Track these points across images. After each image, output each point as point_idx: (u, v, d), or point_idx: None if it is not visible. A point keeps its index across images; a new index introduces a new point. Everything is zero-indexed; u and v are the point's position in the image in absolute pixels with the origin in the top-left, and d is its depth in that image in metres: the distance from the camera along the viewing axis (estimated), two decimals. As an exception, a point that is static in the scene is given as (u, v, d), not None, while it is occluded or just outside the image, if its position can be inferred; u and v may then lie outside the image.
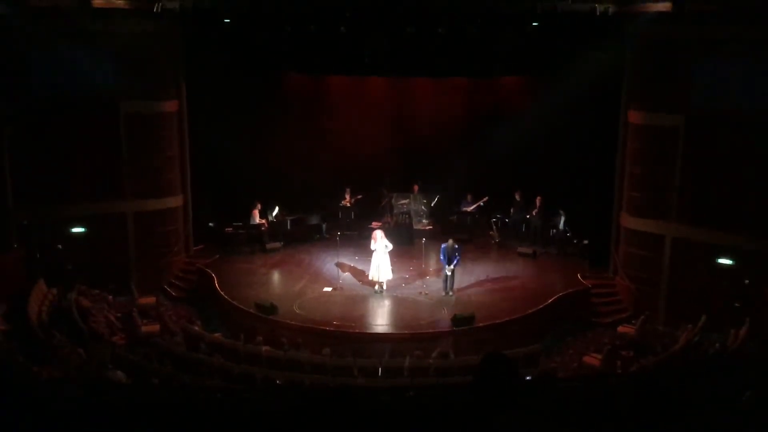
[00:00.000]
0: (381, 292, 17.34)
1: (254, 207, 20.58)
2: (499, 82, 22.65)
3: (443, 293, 17.29)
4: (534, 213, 20.93)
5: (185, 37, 18.68)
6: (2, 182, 17.32)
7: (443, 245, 17.25)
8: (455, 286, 17.38)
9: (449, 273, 17.18)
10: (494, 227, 21.46)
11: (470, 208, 21.62)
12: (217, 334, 15.62)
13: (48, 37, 16.92)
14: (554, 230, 20.54)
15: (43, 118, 17.49)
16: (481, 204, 21.55)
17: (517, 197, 21.41)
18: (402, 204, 22.17)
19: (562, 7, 15.70)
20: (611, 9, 15.73)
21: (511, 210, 21.67)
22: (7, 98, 17.13)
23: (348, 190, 22.06)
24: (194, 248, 20.65)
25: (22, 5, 15.98)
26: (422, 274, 18.36)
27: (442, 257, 17.22)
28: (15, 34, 16.70)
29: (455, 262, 17.12)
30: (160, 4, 16.01)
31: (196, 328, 15.87)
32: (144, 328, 15.69)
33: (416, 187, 22.31)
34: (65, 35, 16.98)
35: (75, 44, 17.06)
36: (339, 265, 18.62)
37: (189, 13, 16.58)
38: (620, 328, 16.68)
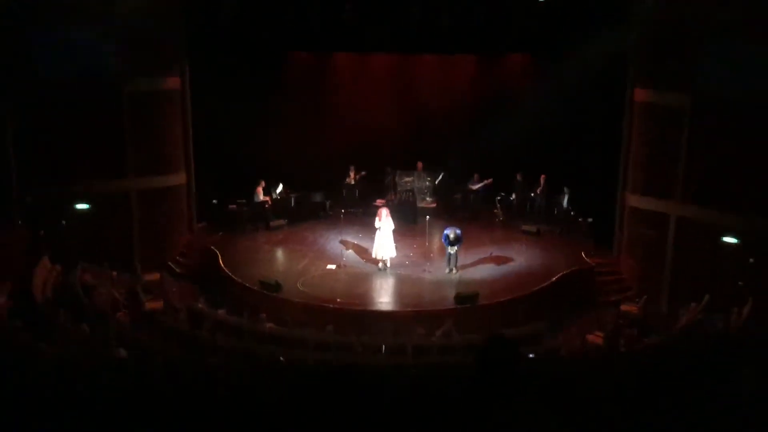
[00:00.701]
0: (384, 269, 17.36)
1: (258, 184, 20.56)
2: (505, 61, 22.51)
3: (446, 270, 17.30)
4: (538, 191, 20.90)
5: (187, 14, 18.53)
6: (6, 161, 17.32)
7: (446, 231, 17.23)
8: (458, 263, 17.39)
9: (452, 252, 17.19)
10: (498, 205, 21.41)
11: (476, 187, 21.58)
12: (220, 311, 15.67)
13: (49, 16, 16.83)
14: (558, 208, 20.49)
15: (46, 97, 17.43)
16: (487, 183, 21.47)
17: (518, 178, 21.31)
18: (406, 182, 22.13)
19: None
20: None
21: (513, 194, 21.50)
22: (10, 78, 17.08)
23: (352, 167, 22.00)
24: (198, 225, 20.66)
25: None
26: (426, 252, 18.36)
27: (444, 240, 17.22)
28: (16, 14, 16.61)
29: (457, 246, 17.13)
30: (162, -20, 15.88)
31: (200, 305, 15.92)
32: (148, 305, 15.73)
33: (420, 165, 22.26)
34: (66, 14, 16.87)
35: (76, 22, 16.96)
36: (343, 242, 18.63)
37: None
38: (624, 307, 16.71)
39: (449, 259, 17.31)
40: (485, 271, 17.65)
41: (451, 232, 17.12)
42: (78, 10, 16.97)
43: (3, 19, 16.61)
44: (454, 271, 17.27)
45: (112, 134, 18.43)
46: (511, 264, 18.11)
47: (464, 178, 21.86)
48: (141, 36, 17.98)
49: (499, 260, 18.26)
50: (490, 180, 21.34)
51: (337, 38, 19.93)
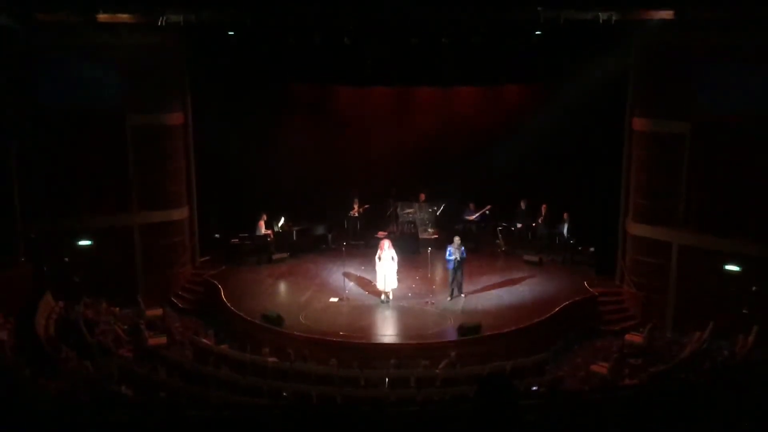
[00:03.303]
0: (387, 302, 17.33)
1: (260, 218, 20.60)
2: (504, 91, 22.67)
3: (449, 298, 17.27)
4: (540, 220, 20.90)
5: (190, 50, 18.75)
6: (9, 196, 17.41)
7: (449, 246, 17.36)
8: (463, 291, 17.38)
9: (458, 262, 17.14)
10: (500, 235, 21.41)
11: (473, 217, 21.60)
12: (223, 346, 15.62)
13: (54, 51, 17.07)
14: (559, 237, 20.47)
15: (50, 131, 17.62)
16: (486, 213, 21.50)
17: (522, 206, 21.34)
18: (407, 213, 22.17)
19: (565, 16, 15.71)
20: (614, 17, 15.73)
21: (516, 222, 21.49)
22: (14, 112, 17.25)
23: (356, 200, 22.06)
24: (200, 260, 20.67)
25: (28, 19, 16.08)
26: (428, 284, 18.33)
27: (448, 256, 17.21)
28: (22, 48, 16.84)
29: (463, 256, 17.21)
30: (165, 17, 16.09)
31: (205, 340, 15.86)
32: (151, 341, 15.70)
33: (422, 196, 22.32)
34: (71, 49, 17.13)
35: (81, 58, 17.20)
36: (345, 275, 18.61)
37: (193, 26, 16.65)
38: (628, 336, 16.61)
39: (453, 283, 17.34)
40: (488, 302, 17.58)
41: (454, 244, 17.22)
42: (82, 45, 17.21)
43: (8, 52, 16.84)
44: (463, 295, 17.29)
45: (115, 169, 18.58)
46: (514, 294, 18.04)
47: (463, 209, 21.88)
48: (145, 71, 18.20)
49: (502, 290, 18.21)
50: (488, 207, 21.35)
51: (339, 71, 20.12)
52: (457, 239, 17.48)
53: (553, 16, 15.72)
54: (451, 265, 17.25)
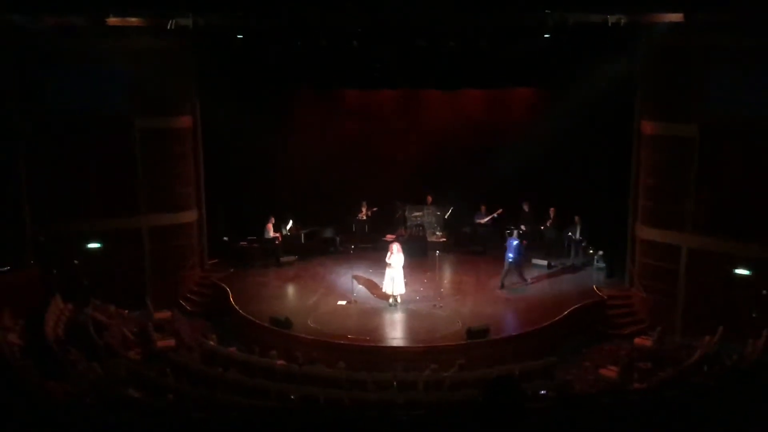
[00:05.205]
0: (395, 305, 17.31)
1: (268, 221, 20.64)
2: (512, 94, 22.65)
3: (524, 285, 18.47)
4: (548, 224, 20.86)
5: (199, 54, 18.80)
6: (19, 199, 17.50)
7: (513, 241, 18.15)
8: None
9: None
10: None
11: (484, 220, 21.58)
12: (231, 349, 15.63)
13: (63, 55, 17.13)
14: (569, 240, 20.37)
15: (59, 134, 17.71)
16: (495, 216, 21.47)
17: (526, 208, 21.25)
18: (415, 216, 22.17)
19: (573, 19, 15.68)
20: (623, 20, 15.69)
21: (522, 225, 21.50)
22: (23, 115, 17.34)
23: (364, 203, 22.08)
24: (209, 262, 20.72)
25: (37, 23, 16.15)
26: (437, 287, 18.30)
27: (518, 253, 18.02)
28: (30, 52, 16.93)
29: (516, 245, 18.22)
30: (174, 21, 16.14)
31: (211, 342, 15.88)
32: (159, 343, 15.72)
33: (430, 199, 22.32)
34: (80, 53, 17.18)
35: (89, 62, 17.26)
36: (353, 278, 18.62)
37: (202, 30, 16.70)
38: (637, 340, 16.53)
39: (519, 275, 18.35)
40: (496, 305, 17.57)
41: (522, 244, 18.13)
42: (91, 48, 17.26)
43: (17, 58, 16.92)
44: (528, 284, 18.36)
45: (124, 172, 18.63)
46: (523, 297, 18.02)
47: (474, 211, 21.86)
48: (153, 75, 18.22)
49: (511, 294, 18.18)
50: (500, 210, 21.31)
51: (346, 74, 20.13)
52: (516, 233, 18.26)
53: (561, 19, 15.70)
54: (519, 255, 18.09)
